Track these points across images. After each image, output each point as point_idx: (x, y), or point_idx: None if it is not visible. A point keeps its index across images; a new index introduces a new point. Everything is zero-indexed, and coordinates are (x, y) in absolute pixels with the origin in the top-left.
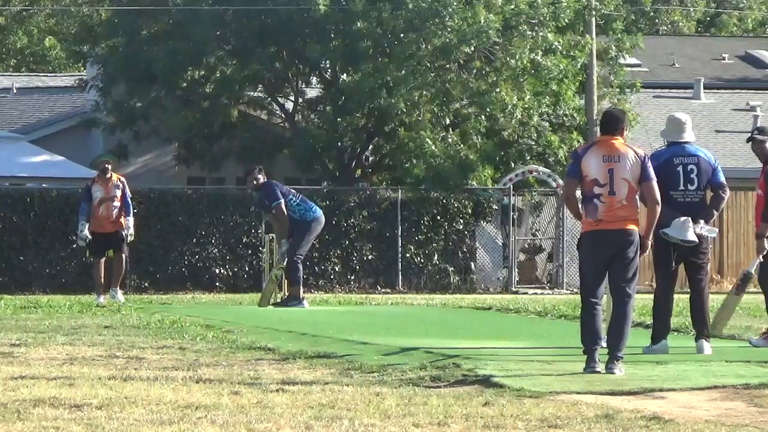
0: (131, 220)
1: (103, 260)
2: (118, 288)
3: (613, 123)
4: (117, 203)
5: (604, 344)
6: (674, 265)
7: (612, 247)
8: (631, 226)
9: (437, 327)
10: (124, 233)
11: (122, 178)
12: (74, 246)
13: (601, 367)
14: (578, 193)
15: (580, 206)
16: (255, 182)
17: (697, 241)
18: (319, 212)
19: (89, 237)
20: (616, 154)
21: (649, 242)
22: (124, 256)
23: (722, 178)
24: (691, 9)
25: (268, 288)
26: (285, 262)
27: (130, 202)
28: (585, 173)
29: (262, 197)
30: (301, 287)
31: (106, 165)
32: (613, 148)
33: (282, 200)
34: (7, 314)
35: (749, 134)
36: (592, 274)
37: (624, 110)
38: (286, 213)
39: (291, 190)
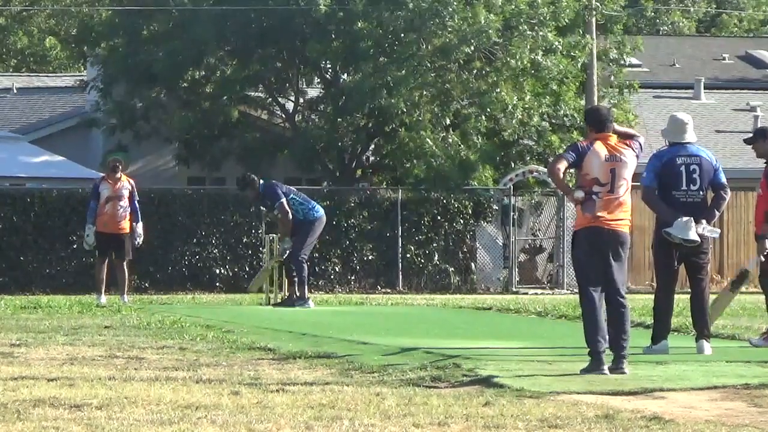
0: (140, 225)
1: (105, 261)
2: (126, 294)
3: (606, 120)
4: (124, 203)
5: (606, 344)
6: (676, 265)
7: (608, 245)
8: (624, 229)
9: (437, 327)
10: (135, 240)
11: (131, 181)
12: (74, 246)
13: (607, 368)
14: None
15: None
16: (253, 191)
17: (699, 241)
18: (321, 212)
19: (94, 243)
20: (618, 154)
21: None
22: (125, 263)
23: (723, 179)
24: (691, 9)
25: (262, 276)
26: (284, 258)
27: (138, 208)
28: (585, 171)
29: (264, 198)
30: (306, 287)
31: (117, 163)
32: (614, 148)
33: (284, 199)
34: (7, 314)
35: (750, 135)
36: (590, 266)
37: (608, 107)
38: (289, 211)
39: (292, 189)
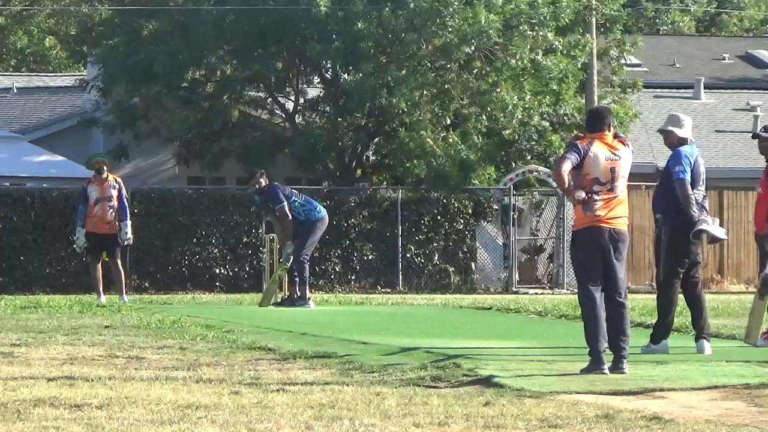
0: (128, 224)
1: (99, 261)
2: (124, 294)
3: (604, 119)
4: (113, 203)
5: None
6: (696, 263)
7: (609, 244)
8: (624, 228)
9: (437, 327)
10: (120, 238)
11: (119, 179)
12: (74, 246)
13: (607, 368)
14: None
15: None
16: (257, 186)
17: (726, 238)
18: (324, 212)
19: (86, 244)
20: (616, 152)
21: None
22: (119, 261)
23: None
24: (692, 8)
25: (270, 288)
26: (289, 264)
27: (126, 205)
28: (586, 171)
29: (266, 200)
30: (308, 287)
31: (102, 165)
32: (613, 147)
33: (285, 203)
34: (7, 314)
35: (755, 132)
36: (590, 265)
37: (608, 107)
38: (289, 215)
39: (294, 191)
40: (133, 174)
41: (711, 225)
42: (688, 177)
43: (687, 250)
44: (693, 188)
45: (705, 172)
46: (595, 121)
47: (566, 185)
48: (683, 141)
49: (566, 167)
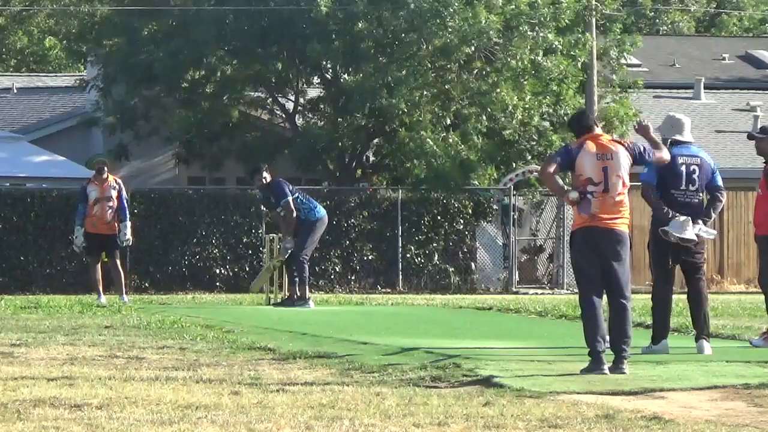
0: (128, 225)
1: (98, 261)
2: (125, 294)
3: (583, 121)
4: (112, 204)
5: (607, 345)
6: (671, 263)
7: (606, 245)
8: (623, 228)
9: (437, 327)
10: (119, 239)
11: (119, 180)
12: (73, 246)
13: (607, 368)
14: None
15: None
16: (263, 181)
17: (696, 240)
18: (323, 212)
19: (84, 244)
20: (608, 152)
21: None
22: (118, 261)
23: (720, 182)
24: (691, 8)
25: (263, 276)
26: (285, 257)
27: (126, 206)
28: (578, 172)
29: (270, 194)
30: (308, 287)
31: (102, 165)
32: (605, 147)
33: (290, 197)
34: (7, 314)
35: (750, 133)
36: (588, 266)
37: (582, 110)
38: (294, 211)
39: (296, 189)
40: (133, 174)
41: (680, 226)
42: (650, 178)
43: (668, 249)
44: (672, 189)
45: (698, 171)
46: (578, 126)
47: (554, 186)
48: (665, 142)
49: (551, 169)
